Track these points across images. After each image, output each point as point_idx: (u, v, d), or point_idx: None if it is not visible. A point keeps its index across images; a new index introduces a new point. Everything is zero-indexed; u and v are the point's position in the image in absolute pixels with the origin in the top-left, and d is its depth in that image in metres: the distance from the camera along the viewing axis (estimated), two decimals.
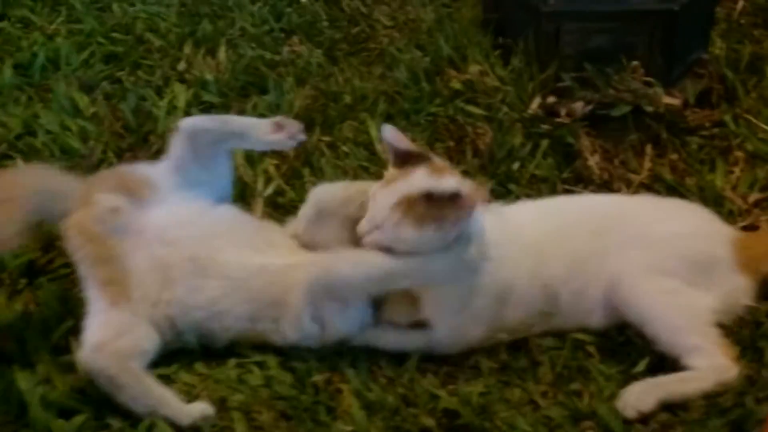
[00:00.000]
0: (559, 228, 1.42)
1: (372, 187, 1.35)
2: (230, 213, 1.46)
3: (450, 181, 1.30)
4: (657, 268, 1.34)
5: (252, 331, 1.37)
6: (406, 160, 1.35)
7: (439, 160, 1.38)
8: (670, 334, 1.31)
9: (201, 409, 1.27)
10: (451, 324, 1.36)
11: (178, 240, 1.36)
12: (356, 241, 1.35)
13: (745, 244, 1.41)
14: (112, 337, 1.27)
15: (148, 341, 1.32)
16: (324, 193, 1.43)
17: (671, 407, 1.27)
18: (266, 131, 1.46)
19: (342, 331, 1.37)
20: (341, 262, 1.34)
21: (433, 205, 1.28)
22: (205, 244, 1.37)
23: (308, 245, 1.42)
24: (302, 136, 1.49)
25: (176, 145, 1.44)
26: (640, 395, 1.27)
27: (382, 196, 1.31)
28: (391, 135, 1.37)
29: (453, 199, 1.28)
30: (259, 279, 1.36)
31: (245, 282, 1.35)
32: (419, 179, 1.31)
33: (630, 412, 1.25)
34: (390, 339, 1.40)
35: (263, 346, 1.40)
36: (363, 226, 1.32)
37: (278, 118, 1.48)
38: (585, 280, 1.38)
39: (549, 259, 1.38)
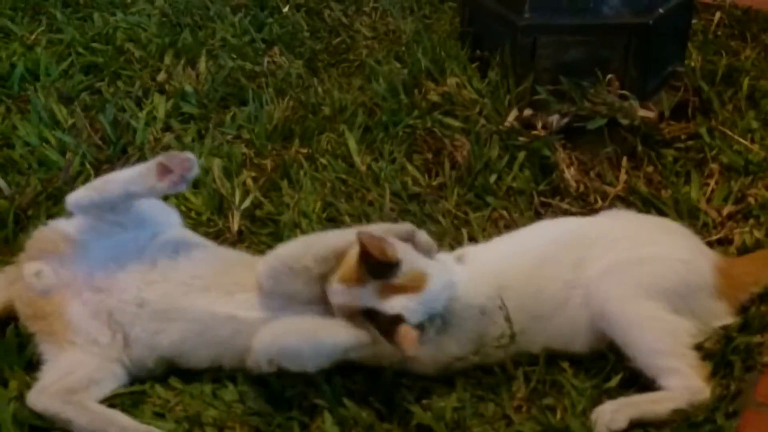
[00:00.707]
0: (535, 266, 1.39)
1: (334, 238, 1.35)
2: (186, 249, 1.42)
3: (394, 304, 1.28)
4: (643, 289, 1.35)
5: (218, 364, 1.39)
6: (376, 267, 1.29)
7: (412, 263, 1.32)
8: (649, 357, 1.32)
9: (152, 429, 1.28)
10: (425, 351, 1.37)
11: (112, 286, 1.38)
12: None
13: (727, 271, 1.41)
14: (57, 378, 1.33)
15: (103, 373, 1.35)
16: (283, 258, 1.36)
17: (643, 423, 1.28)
18: (151, 181, 1.33)
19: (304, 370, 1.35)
20: (291, 335, 1.31)
21: (376, 321, 1.29)
22: (152, 287, 1.37)
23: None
24: (191, 174, 1.34)
25: (78, 219, 1.43)
26: (613, 414, 1.27)
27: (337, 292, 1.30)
28: (370, 243, 1.27)
29: (395, 321, 1.27)
30: (225, 328, 1.35)
31: (211, 330, 1.36)
32: (367, 295, 1.29)
33: (601, 430, 1.26)
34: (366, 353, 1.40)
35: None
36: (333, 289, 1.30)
37: (162, 157, 1.34)
38: (568, 313, 1.37)
39: (527, 301, 1.37)
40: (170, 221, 1.50)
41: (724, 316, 1.38)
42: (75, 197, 1.41)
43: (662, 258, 1.39)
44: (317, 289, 1.34)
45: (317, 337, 1.31)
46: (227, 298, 1.37)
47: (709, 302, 1.38)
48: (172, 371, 1.39)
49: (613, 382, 1.35)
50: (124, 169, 1.43)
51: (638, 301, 1.34)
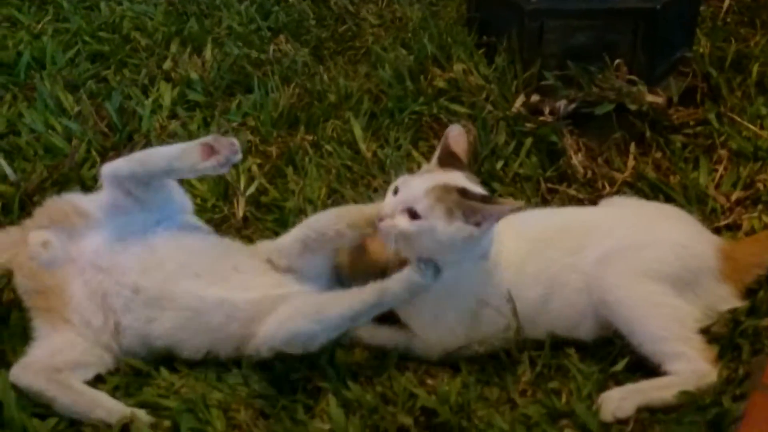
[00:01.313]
0: (537, 244, 1.39)
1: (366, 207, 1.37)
2: (186, 238, 1.43)
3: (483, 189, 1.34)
4: (645, 275, 1.33)
5: (214, 354, 1.38)
6: (450, 163, 1.36)
7: None
8: (655, 344, 1.31)
9: (135, 411, 1.28)
10: (427, 333, 1.37)
11: (113, 267, 1.36)
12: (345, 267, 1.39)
13: (730, 254, 1.40)
14: (44, 356, 1.32)
15: (91, 358, 1.34)
16: (317, 224, 1.38)
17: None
18: (196, 159, 1.33)
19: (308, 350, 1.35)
20: (299, 319, 1.31)
21: (466, 203, 1.27)
22: (149, 274, 1.36)
23: (286, 270, 1.40)
24: (236, 158, 1.34)
25: (105, 190, 1.42)
26: (620, 402, 1.27)
27: (417, 182, 1.30)
28: (455, 135, 1.37)
29: (485, 201, 1.29)
30: (217, 314, 1.35)
31: (203, 316, 1.35)
32: (458, 177, 1.32)
33: (607, 417, 1.25)
34: (371, 334, 1.40)
35: None
36: (386, 207, 1.29)
37: (210, 138, 1.34)
38: (567, 296, 1.37)
39: (527, 278, 1.37)
40: (184, 207, 1.50)
41: (730, 300, 1.37)
42: (113, 167, 1.39)
43: (663, 243, 1.37)
44: (331, 263, 1.37)
45: (323, 313, 1.30)
46: (221, 284, 1.36)
47: (714, 286, 1.36)
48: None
49: (620, 366, 1.34)
50: (164, 146, 1.44)
51: (640, 288, 1.33)
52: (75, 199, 1.44)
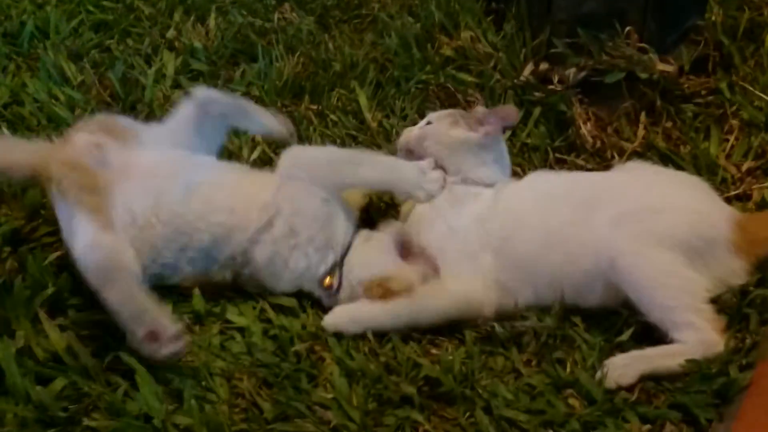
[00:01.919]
0: (543, 196, 1.41)
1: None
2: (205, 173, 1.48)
3: None
4: (658, 242, 1.31)
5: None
6: None
7: None
8: (664, 312, 1.29)
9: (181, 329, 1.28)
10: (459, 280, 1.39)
11: (170, 168, 1.42)
12: None
13: (744, 227, 1.36)
14: (106, 242, 1.31)
15: (135, 266, 1.33)
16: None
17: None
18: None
19: None
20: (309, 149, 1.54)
21: (468, 114, 1.56)
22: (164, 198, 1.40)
23: None
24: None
25: (183, 109, 1.51)
26: (624, 369, 1.26)
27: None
28: None
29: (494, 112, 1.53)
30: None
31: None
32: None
33: (610, 384, 1.25)
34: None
35: (246, 313, 1.40)
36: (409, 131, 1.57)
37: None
38: (570, 251, 1.35)
39: (524, 229, 1.37)
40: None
41: (741, 273, 1.34)
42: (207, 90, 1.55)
43: (677, 210, 1.35)
44: None
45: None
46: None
47: (726, 257, 1.33)
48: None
49: (625, 336, 1.33)
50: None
51: (652, 255, 1.30)
52: (129, 121, 1.53)
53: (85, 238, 1.31)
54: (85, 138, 1.41)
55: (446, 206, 1.44)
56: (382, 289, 1.37)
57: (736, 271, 1.35)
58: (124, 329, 1.26)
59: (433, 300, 1.38)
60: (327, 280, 1.42)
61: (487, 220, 1.41)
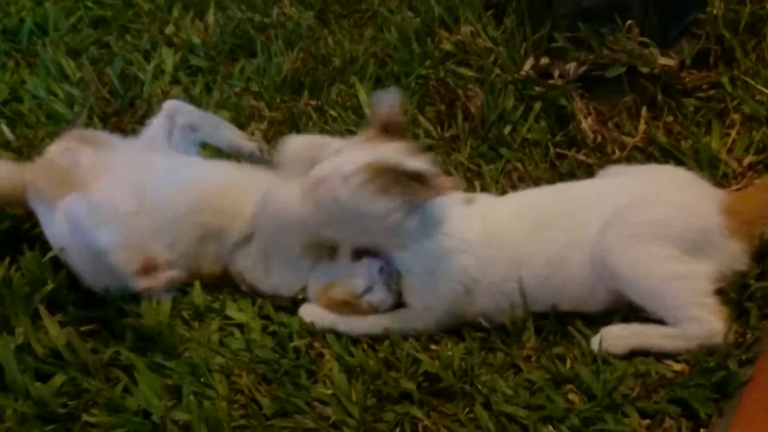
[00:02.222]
0: (535, 224, 1.36)
1: (338, 143, 1.35)
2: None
3: (422, 162, 1.28)
4: (651, 240, 1.29)
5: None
6: (389, 130, 1.32)
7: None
8: (668, 310, 1.28)
9: None
10: (422, 305, 1.36)
11: (150, 165, 1.48)
12: None
13: (734, 208, 1.35)
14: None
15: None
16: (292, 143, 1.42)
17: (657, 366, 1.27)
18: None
19: None
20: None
21: (401, 180, 1.25)
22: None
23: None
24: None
25: (154, 121, 1.58)
26: (615, 339, 1.28)
27: (356, 152, 1.28)
28: (388, 103, 1.33)
29: (420, 179, 1.25)
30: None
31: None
32: (396, 150, 1.28)
33: (595, 348, 1.28)
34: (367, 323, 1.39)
35: (245, 309, 1.40)
36: (322, 169, 1.27)
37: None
38: (571, 273, 1.33)
39: (527, 258, 1.34)
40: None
41: (742, 256, 1.32)
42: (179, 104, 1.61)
43: (663, 205, 1.34)
44: None
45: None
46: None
47: (723, 243, 1.31)
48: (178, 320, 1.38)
49: None
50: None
51: (648, 256, 1.29)
52: (100, 133, 1.60)
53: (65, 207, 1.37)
54: (56, 145, 1.50)
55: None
56: (325, 298, 1.38)
57: (736, 255, 1.33)
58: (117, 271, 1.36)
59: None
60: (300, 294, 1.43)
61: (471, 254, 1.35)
